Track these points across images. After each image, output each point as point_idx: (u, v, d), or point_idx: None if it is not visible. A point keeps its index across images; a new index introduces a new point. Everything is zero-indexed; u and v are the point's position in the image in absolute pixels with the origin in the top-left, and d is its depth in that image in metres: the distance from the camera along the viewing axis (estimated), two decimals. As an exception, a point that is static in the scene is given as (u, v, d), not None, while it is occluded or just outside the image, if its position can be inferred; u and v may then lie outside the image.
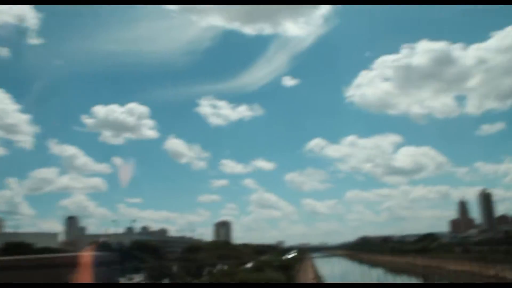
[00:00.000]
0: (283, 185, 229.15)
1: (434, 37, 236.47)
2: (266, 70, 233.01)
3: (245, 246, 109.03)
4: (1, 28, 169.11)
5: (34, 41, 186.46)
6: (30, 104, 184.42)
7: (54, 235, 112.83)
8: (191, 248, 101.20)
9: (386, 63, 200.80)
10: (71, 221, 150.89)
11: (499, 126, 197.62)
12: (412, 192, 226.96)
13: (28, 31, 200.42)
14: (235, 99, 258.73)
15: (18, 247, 76.46)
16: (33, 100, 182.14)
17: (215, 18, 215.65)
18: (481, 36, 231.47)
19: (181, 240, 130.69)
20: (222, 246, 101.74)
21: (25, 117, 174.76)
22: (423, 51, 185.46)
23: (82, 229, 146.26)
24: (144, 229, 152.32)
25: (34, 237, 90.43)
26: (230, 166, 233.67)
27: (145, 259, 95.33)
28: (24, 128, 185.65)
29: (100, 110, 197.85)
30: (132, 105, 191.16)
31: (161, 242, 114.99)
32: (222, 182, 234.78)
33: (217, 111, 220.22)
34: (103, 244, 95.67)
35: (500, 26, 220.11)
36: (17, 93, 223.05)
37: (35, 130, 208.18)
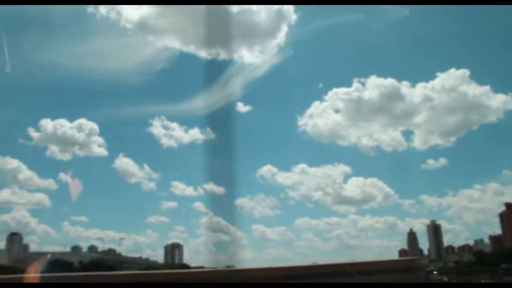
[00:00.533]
0: (232, 209, 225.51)
1: (383, 74, 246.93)
2: (219, 95, 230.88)
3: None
4: None
5: None
6: None
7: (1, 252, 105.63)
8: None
9: (338, 95, 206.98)
10: (14, 238, 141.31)
11: (442, 161, 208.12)
12: (360, 221, 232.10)
13: None
14: (188, 121, 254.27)
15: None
16: None
17: (171, 40, 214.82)
18: (427, 76, 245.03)
19: (137, 260, 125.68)
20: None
21: None
22: (373, 86, 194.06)
23: (25, 247, 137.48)
24: (92, 248, 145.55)
25: None
26: (180, 188, 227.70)
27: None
28: None
29: (48, 124, 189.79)
30: (81, 121, 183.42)
31: (117, 262, 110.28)
32: (172, 204, 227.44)
33: (169, 133, 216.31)
34: (63, 262, 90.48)
35: (444, 68, 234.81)
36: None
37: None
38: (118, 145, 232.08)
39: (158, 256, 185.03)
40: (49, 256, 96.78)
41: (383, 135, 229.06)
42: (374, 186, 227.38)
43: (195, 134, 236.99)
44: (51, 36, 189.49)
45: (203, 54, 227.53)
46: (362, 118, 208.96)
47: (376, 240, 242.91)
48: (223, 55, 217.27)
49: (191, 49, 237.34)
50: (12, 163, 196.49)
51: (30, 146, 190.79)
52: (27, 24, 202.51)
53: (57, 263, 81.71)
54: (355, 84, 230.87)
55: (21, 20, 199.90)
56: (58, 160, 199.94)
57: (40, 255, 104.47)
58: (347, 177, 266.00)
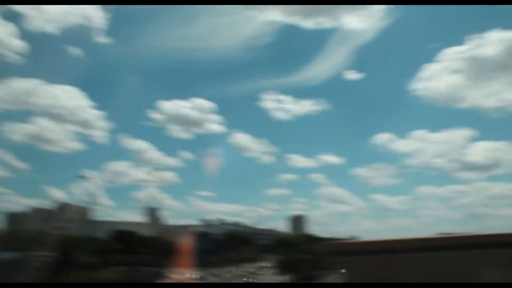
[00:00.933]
0: (352, 179, 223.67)
1: (506, 26, 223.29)
2: (327, 64, 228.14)
3: (335, 240, 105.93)
4: (72, 29, 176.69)
5: (103, 40, 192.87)
6: (102, 100, 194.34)
7: (145, 225, 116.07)
8: (286, 242, 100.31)
9: (452, 55, 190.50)
10: (152, 212, 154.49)
11: None
12: (489, 188, 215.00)
13: (97, 31, 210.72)
14: (298, 93, 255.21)
15: (126, 235, 78.81)
16: (105, 97, 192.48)
17: (274, 13, 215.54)
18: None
19: (267, 232, 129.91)
20: (314, 240, 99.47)
21: (99, 113, 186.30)
22: (494, 41, 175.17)
23: (161, 220, 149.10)
24: (220, 221, 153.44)
25: (125, 225, 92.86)
26: (298, 160, 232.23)
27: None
28: (98, 123, 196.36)
29: (167, 105, 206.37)
30: (197, 101, 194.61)
31: (249, 234, 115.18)
32: (290, 176, 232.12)
33: (281, 106, 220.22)
34: (204, 234, 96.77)
35: None
36: (91, 90, 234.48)
37: (108, 125, 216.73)
38: (234, 121, 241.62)
39: (282, 227, 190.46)
40: (190, 228, 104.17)
41: (509, 94, 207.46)
42: (502, 150, 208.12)
43: (308, 106, 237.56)
44: (160, 22, 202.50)
45: (306, 24, 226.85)
46: (483, 77, 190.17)
47: (510, 209, 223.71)
48: (327, 24, 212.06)
49: (294, 20, 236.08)
50: (141, 144, 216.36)
51: (154, 127, 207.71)
52: (139, 13, 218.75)
53: (201, 235, 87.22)
54: (471, 41, 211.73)
55: (133, 10, 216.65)
56: (179, 139, 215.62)
57: (180, 227, 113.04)
58: (470, 142, 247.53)
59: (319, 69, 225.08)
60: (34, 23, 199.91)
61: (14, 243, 68.36)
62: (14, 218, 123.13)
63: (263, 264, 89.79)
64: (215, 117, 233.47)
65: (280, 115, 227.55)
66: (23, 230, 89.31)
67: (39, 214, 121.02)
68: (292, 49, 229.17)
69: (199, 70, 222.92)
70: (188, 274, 60.97)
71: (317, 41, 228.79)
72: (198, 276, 62.06)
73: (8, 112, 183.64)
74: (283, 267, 58.19)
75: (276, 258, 77.66)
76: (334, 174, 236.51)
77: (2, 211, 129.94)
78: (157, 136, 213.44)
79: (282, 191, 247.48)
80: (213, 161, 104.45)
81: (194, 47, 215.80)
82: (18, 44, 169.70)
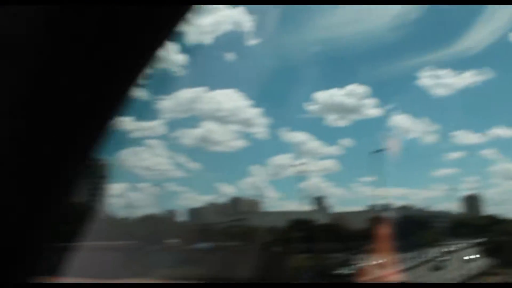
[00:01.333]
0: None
1: None
2: (487, 29, 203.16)
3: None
4: (224, 36, 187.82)
5: (253, 42, 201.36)
6: (259, 99, 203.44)
7: (314, 213, 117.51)
8: (469, 224, 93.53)
9: None
10: (318, 201, 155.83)
11: None
12: None
13: (247, 34, 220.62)
14: (457, 65, 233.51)
15: (303, 223, 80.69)
16: (261, 95, 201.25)
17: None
18: None
19: (442, 214, 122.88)
20: (500, 222, 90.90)
21: (258, 110, 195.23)
22: None
23: (328, 208, 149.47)
24: (389, 206, 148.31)
25: (295, 215, 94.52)
26: (464, 137, 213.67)
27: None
28: (257, 120, 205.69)
29: (321, 95, 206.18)
30: (351, 87, 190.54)
31: (425, 217, 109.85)
32: (456, 154, 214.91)
33: (439, 81, 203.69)
34: (377, 219, 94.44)
35: None
36: (248, 90, 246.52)
37: (267, 121, 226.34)
38: (391, 103, 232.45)
39: (455, 209, 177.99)
40: (362, 214, 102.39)
41: None
42: None
43: (469, 77, 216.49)
44: (303, 15, 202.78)
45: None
46: None
47: None
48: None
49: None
50: (299, 136, 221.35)
51: (311, 118, 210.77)
52: (280, 8, 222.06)
53: (376, 220, 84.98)
54: None
55: (275, 7, 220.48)
56: (337, 127, 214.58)
57: (350, 214, 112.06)
58: None
59: (478, 36, 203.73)
60: (191, 37, 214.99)
61: (202, 235, 74.04)
62: (194, 213, 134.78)
63: (447, 248, 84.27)
64: (372, 101, 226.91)
65: (440, 91, 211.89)
66: (206, 223, 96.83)
67: (216, 208, 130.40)
68: (445, 20, 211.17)
69: (350, 56, 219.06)
70: (373, 260, 59.52)
71: (471, 6, 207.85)
72: (384, 262, 60.29)
73: (179, 120, 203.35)
74: (485, 251, 53.21)
75: (468, 242, 72.00)
76: (509, 148, 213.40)
77: (184, 208, 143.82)
78: (315, 126, 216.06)
79: (450, 171, 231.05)
80: (393, 143, 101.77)
81: (341, 34, 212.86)
82: (181, 58, 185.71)
